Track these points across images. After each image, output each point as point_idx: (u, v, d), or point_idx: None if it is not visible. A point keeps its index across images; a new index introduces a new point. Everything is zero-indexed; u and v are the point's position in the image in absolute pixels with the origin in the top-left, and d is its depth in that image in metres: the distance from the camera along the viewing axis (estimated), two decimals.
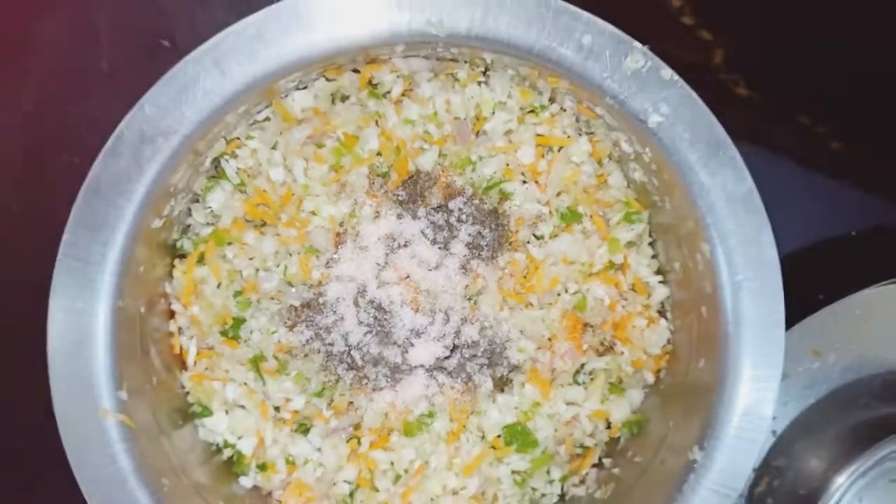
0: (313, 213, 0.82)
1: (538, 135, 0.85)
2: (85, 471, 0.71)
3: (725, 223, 0.73)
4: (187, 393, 0.85)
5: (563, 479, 0.87)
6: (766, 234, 0.73)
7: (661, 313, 0.87)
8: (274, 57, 0.69)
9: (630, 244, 0.86)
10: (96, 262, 0.70)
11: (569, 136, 0.85)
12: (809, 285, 1.02)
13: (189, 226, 0.85)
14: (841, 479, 0.97)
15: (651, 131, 0.72)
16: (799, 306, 0.92)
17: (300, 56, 0.70)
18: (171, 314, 0.85)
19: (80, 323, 0.70)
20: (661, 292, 0.86)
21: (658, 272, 0.86)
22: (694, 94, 0.71)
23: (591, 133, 0.85)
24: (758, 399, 0.74)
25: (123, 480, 0.72)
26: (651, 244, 0.87)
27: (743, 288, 0.73)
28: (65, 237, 0.68)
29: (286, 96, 0.81)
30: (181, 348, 0.85)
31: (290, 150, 0.81)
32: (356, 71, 0.82)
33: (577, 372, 0.86)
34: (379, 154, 0.82)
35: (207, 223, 0.84)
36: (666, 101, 0.71)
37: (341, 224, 0.83)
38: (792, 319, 0.94)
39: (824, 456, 1.02)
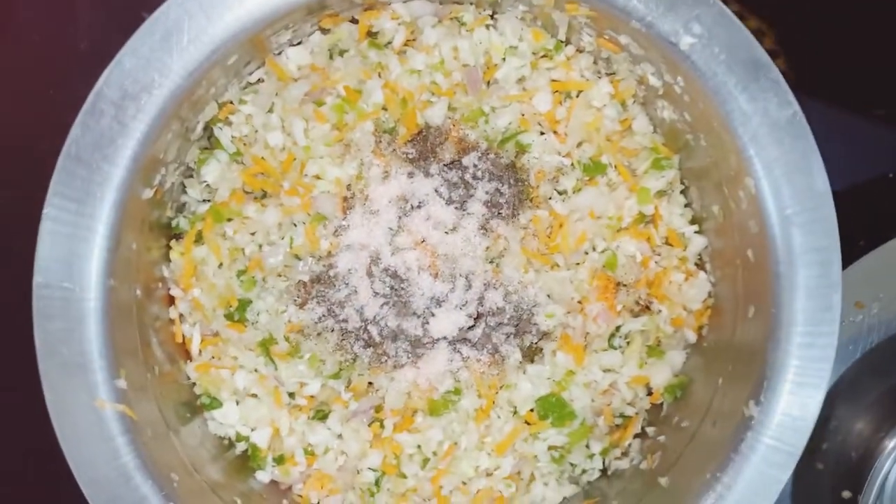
0: (317, 178, 0.76)
1: (554, 80, 0.79)
2: (85, 468, 0.64)
3: (770, 152, 0.67)
4: (194, 384, 0.79)
5: (605, 453, 0.81)
6: (815, 161, 0.67)
7: (700, 266, 0.81)
8: None
9: (661, 193, 0.80)
10: (83, 238, 0.63)
11: (587, 80, 0.79)
12: (848, 232, 0.96)
13: (185, 204, 0.79)
14: (891, 444, 0.92)
15: (683, 55, 0.66)
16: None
17: None
18: (171, 300, 0.79)
19: (70, 306, 0.64)
20: (698, 243, 0.80)
21: (693, 221, 0.81)
22: (729, 12, 0.65)
23: (611, 74, 0.79)
24: (816, 345, 0.68)
25: (128, 477, 0.65)
26: (683, 192, 0.81)
27: (793, 223, 0.67)
28: (45, 210, 0.62)
29: (280, 53, 0.76)
30: (184, 336, 0.79)
31: (287, 111, 0.75)
32: (354, 21, 0.76)
33: (612, 336, 0.80)
34: (384, 109, 0.77)
35: (204, 199, 0.79)
36: (698, 21, 0.65)
37: (348, 187, 0.77)
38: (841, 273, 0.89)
39: (871, 417, 0.97)
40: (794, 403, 0.68)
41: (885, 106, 1.00)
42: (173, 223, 0.78)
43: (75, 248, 0.63)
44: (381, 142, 0.77)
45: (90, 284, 0.64)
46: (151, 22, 0.62)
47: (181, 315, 0.79)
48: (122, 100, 0.62)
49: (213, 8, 0.62)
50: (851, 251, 0.92)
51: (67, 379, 0.64)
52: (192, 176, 0.78)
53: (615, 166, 0.80)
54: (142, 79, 0.62)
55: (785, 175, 0.67)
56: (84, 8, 0.87)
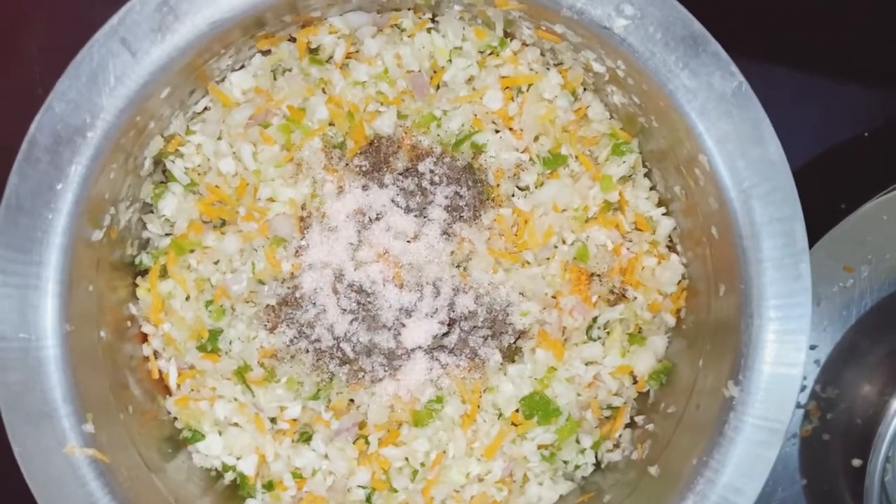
0: (271, 200, 0.76)
1: (503, 76, 0.78)
2: None
3: (719, 126, 0.65)
4: (175, 419, 0.79)
5: (596, 446, 0.80)
6: (766, 130, 0.65)
7: (671, 248, 0.80)
8: (187, 27, 0.63)
9: (624, 179, 0.79)
10: (33, 287, 0.63)
11: (536, 72, 0.77)
12: (829, 197, 0.95)
13: (148, 240, 0.79)
14: None
15: (619, 38, 0.65)
16: (821, 221, 0.85)
17: (215, 20, 0.63)
18: (144, 337, 0.79)
19: (28, 356, 0.64)
20: (666, 225, 0.79)
21: (660, 204, 0.79)
22: None
23: (559, 64, 0.78)
24: (790, 317, 0.67)
25: None
26: (647, 175, 0.80)
27: (752, 195, 0.66)
28: None
29: (222, 80, 0.75)
30: (161, 372, 0.79)
31: (234, 136, 0.74)
32: (293, 40, 0.75)
33: (590, 327, 0.79)
34: (331, 124, 0.76)
35: (165, 233, 0.78)
36: (629, 2, 0.63)
37: (303, 207, 0.76)
38: (815, 235, 0.87)
39: (875, 379, 0.95)
40: (774, 379, 0.67)
41: (855, 66, 0.98)
42: (136, 260, 0.77)
43: (27, 298, 0.63)
44: (331, 157, 0.76)
45: (46, 332, 0.64)
46: (76, 65, 0.62)
47: (155, 351, 0.79)
48: (56, 145, 0.62)
49: (136, 43, 0.62)
50: (834, 215, 0.90)
51: (34, 428, 0.64)
52: (151, 212, 0.78)
53: (575, 156, 0.79)
54: (73, 122, 0.62)
55: (737, 148, 0.65)
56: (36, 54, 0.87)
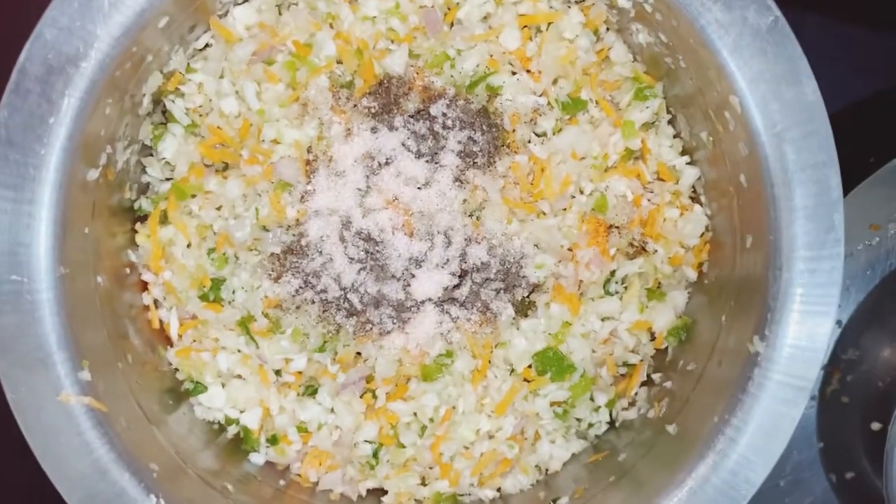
0: (276, 142, 0.72)
1: (521, 14, 0.74)
2: (57, 465, 0.62)
3: (753, 65, 0.61)
4: (176, 371, 0.76)
5: (610, 404, 0.78)
6: (803, 69, 0.61)
7: (694, 199, 0.76)
8: None
9: (647, 126, 0.75)
10: (25, 226, 0.60)
11: (556, 10, 0.73)
12: (857, 150, 0.91)
13: (148, 185, 0.75)
14: None
15: None
16: (848, 175, 0.81)
17: None
18: (144, 286, 0.76)
19: (21, 299, 0.61)
20: (690, 174, 0.75)
21: (683, 152, 0.76)
22: None
23: (580, 1, 0.73)
24: (821, 269, 0.63)
25: (104, 471, 0.63)
26: (671, 122, 0.76)
27: (785, 139, 0.62)
28: None
29: (225, 14, 0.71)
30: (161, 322, 0.76)
31: (236, 73, 0.70)
32: None
33: (608, 281, 0.76)
34: (339, 62, 0.72)
35: (166, 178, 0.75)
36: None
37: (309, 150, 0.73)
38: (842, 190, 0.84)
39: None
40: (802, 334, 0.64)
41: (889, 15, 0.93)
42: (136, 205, 0.74)
43: (19, 237, 0.60)
44: (339, 98, 0.72)
45: (39, 274, 0.61)
46: None
47: (155, 300, 0.76)
48: (48, 75, 0.58)
49: None
50: (862, 170, 0.87)
51: (28, 375, 0.61)
52: (151, 154, 0.75)
53: (596, 101, 0.75)
54: (66, 50, 0.58)
55: (771, 88, 0.61)
56: None
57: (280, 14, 0.72)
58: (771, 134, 0.62)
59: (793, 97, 0.61)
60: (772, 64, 0.61)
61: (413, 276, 0.73)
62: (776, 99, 0.61)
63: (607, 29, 0.74)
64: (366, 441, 0.76)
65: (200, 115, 0.73)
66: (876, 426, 0.90)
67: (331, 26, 0.72)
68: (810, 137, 0.62)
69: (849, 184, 0.84)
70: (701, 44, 0.62)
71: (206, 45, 0.73)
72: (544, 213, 0.75)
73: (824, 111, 0.62)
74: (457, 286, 0.75)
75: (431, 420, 0.75)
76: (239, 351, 0.75)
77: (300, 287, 0.74)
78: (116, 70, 0.61)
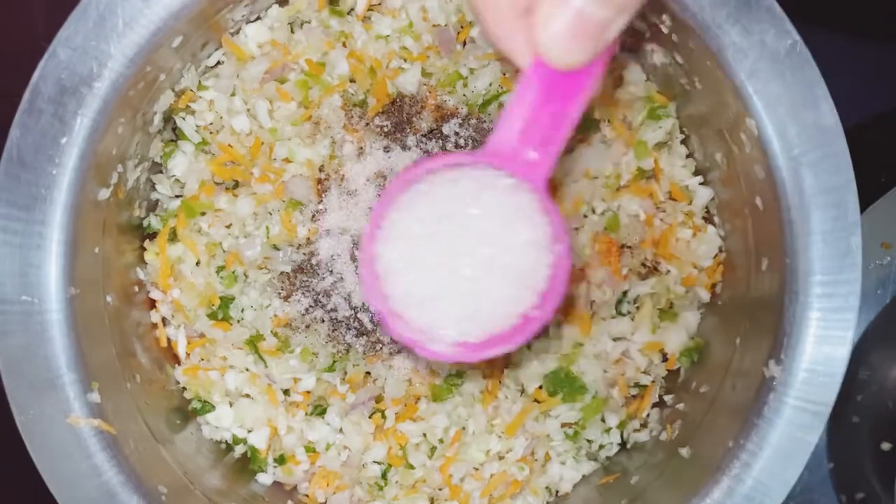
0: (287, 161, 0.72)
1: None
2: (65, 489, 0.61)
3: (771, 88, 0.61)
4: (184, 389, 0.75)
5: (622, 426, 0.77)
6: (821, 93, 0.61)
7: (708, 219, 0.75)
8: None
9: (659, 145, 0.75)
10: (36, 246, 0.59)
11: None
12: (868, 168, 0.90)
13: (157, 202, 0.75)
14: None
15: None
16: (860, 194, 0.81)
17: None
18: (152, 304, 0.75)
19: (31, 320, 0.60)
20: (703, 195, 0.74)
21: (696, 172, 0.75)
22: None
23: None
24: (838, 293, 0.63)
25: (112, 494, 0.62)
26: (684, 142, 0.75)
27: (802, 163, 0.61)
28: None
29: (237, 32, 0.71)
30: (169, 340, 0.75)
31: (248, 91, 0.70)
32: None
33: (620, 301, 0.75)
34: (352, 81, 0.71)
35: (175, 195, 0.74)
36: None
37: (321, 168, 0.72)
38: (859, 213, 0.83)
39: None
40: (818, 359, 0.63)
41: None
42: (145, 223, 0.74)
43: (29, 258, 0.59)
44: (351, 116, 0.72)
45: (50, 295, 0.60)
46: (82, 7, 0.57)
47: (164, 318, 0.75)
48: (61, 95, 0.58)
49: None
50: (873, 188, 0.86)
51: (37, 397, 0.60)
52: (160, 171, 0.74)
53: (609, 121, 0.75)
54: (79, 70, 0.58)
55: (789, 112, 0.61)
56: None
57: (292, 32, 0.72)
58: (788, 157, 0.61)
59: (811, 121, 0.61)
60: (790, 88, 0.60)
61: None
62: (794, 123, 0.61)
63: (621, 49, 0.74)
64: (374, 462, 0.75)
65: (211, 133, 0.73)
66: (886, 446, 0.90)
67: (344, 45, 0.71)
68: (828, 161, 0.61)
69: (860, 202, 0.84)
70: (718, 66, 0.61)
71: (218, 63, 0.72)
72: None
73: (842, 134, 0.61)
74: None
75: (441, 441, 0.75)
76: (247, 370, 0.75)
77: (310, 306, 0.73)
78: (130, 90, 0.60)
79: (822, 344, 0.63)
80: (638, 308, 0.76)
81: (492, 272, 0.53)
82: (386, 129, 0.72)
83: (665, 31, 0.65)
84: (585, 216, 0.75)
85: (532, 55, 0.49)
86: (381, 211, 0.53)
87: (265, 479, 0.76)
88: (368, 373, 0.75)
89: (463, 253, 0.53)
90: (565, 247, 0.54)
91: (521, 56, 0.50)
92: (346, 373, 0.74)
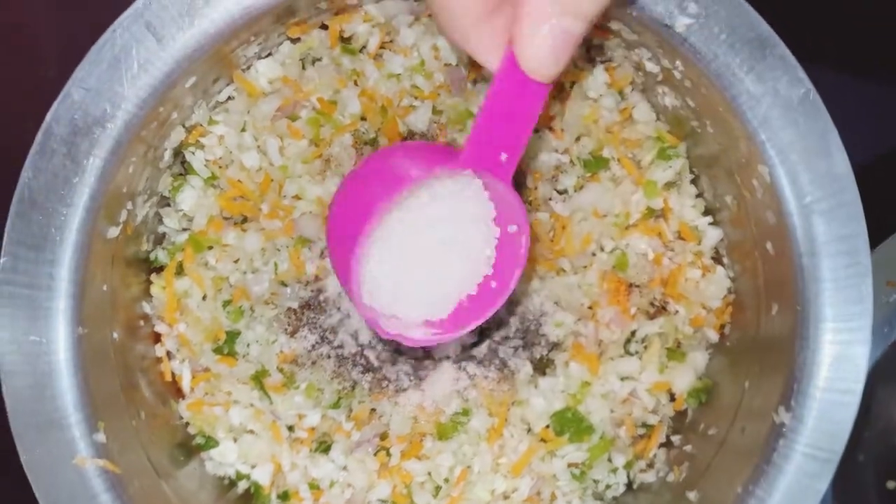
0: (297, 198, 0.71)
1: None
2: None
3: (784, 136, 0.60)
4: (187, 424, 0.75)
5: (629, 466, 0.76)
6: (833, 142, 0.61)
7: (717, 260, 0.75)
8: (218, 12, 0.58)
9: (669, 185, 0.75)
10: (45, 287, 0.59)
11: (581, 69, 0.73)
12: (877, 207, 0.90)
13: (164, 235, 0.74)
14: None
15: (680, 38, 0.60)
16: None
17: (248, 5, 0.59)
18: (157, 337, 0.75)
19: (38, 361, 0.60)
20: (713, 235, 0.74)
21: (706, 212, 0.75)
22: None
23: (606, 61, 0.73)
24: (848, 341, 0.63)
25: None
26: (693, 181, 0.75)
27: (814, 211, 0.61)
28: (1, 261, 0.57)
29: (248, 68, 0.70)
30: (174, 374, 0.75)
31: (259, 128, 0.70)
32: (324, 27, 0.71)
33: (628, 341, 0.75)
34: (363, 119, 0.71)
35: (182, 228, 0.74)
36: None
37: None
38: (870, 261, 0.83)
39: None
40: (829, 406, 0.63)
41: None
42: (152, 256, 0.73)
43: (38, 299, 0.59)
44: (362, 154, 0.72)
45: (58, 335, 0.60)
46: (97, 50, 0.57)
47: (169, 352, 0.75)
48: (74, 136, 0.57)
49: (162, 29, 0.57)
50: (882, 227, 0.86)
51: (43, 437, 0.60)
52: (169, 205, 0.74)
53: (618, 159, 0.75)
54: (93, 111, 0.57)
55: (802, 160, 0.61)
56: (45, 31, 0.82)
57: (304, 68, 0.72)
58: (800, 205, 0.61)
59: (823, 169, 0.61)
60: (803, 136, 0.60)
61: None
62: (806, 170, 0.61)
63: (632, 89, 0.74)
64: (379, 500, 0.74)
65: (220, 167, 0.73)
66: (892, 485, 0.89)
67: (356, 83, 0.71)
68: (840, 209, 0.61)
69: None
70: (731, 112, 0.61)
71: (229, 98, 0.72)
72: (564, 271, 0.74)
73: (854, 183, 0.61)
74: (475, 343, 0.74)
75: (446, 480, 0.74)
76: (252, 405, 0.74)
77: (316, 342, 0.73)
78: (142, 129, 0.60)
79: (833, 392, 0.63)
80: (646, 347, 0.75)
81: (445, 251, 0.60)
82: None
83: (678, 75, 0.65)
84: (594, 255, 0.75)
85: (499, 58, 0.52)
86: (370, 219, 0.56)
87: None
88: (374, 410, 0.74)
89: (419, 237, 0.58)
90: (522, 226, 0.60)
91: (486, 56, 0.52)
92: (351, 410, 0.74)
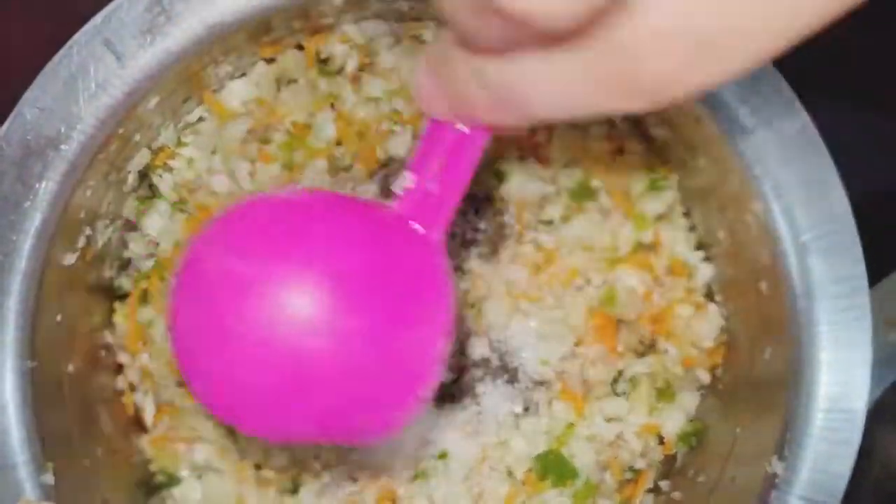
0: None
1: None
2: None
3: (779, 172, 0.58)
4: (149, 461, 0.71)
5: None
6: (831, 177, 0.58)
7: (709, 297, 0.72)
8: (181, 29, 0.55)
9: (660, 217, 0.72)
10: None
11: None
12: (876, 245, 0.88)
13: (129, 261, 0.71)
14: None
15: None
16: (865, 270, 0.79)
17: (214, 23, 0.56)
18: (120, 368, 0.71)
19: None
20: (705, 272, 0.71)
21: (699, 247, 0.72)
22: None
23: None
24: (845, 388, 0.60)
25: None
26: (686, 214, 0.72)
27: (811, 250, 0.58)
28: None
29: (220, 89, 0.67)
30: (136, 407, 0.71)
31: (229, 151, 0.67)
32: (300, 48, 0.68)
33: (615, 380, 0.72)
34: (339, 143, 0.68)
35: (149, 254, 0.70)
36: None
37: None
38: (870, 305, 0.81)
39: None
40: (824, 457, 0.60)
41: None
42: (115, 284, 0.70)
43: None
44: (337, 181, 0.68)
45: (4, 370, 0.56)
46: (52, 67, 0.54)
47: (131, 384, 0.71)
48: (25, 158, 0.54)
49: (122, 46, 0.54)
50: (883, 262, 0.83)
51: None
52: (134, 229, 0.70)
53: (607, 190, 0.71)
54: (46, 132, 0.54)
55: (798, 196, 0.58)
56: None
57: (279, 90, 0.69)
58: (796, 244, 0.58)
59: (820, 206, 0.58)
60: (799, 172, 0.58)
61: None
62: (803, 207, 0.58)
63: (622, 118, 0.71)
64: None
65: (189, 191, 0.69)
66: None
67: (332, 106, 0.68)
68: (838, 249, 0.58)
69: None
70: (724, 147, 0.59)
71: (200, 119, 0.69)
72: (549, 306, 0.71)
73: (853, 222, 0.58)
74: (454, 381, 0.71)
75: None
76: (217, 442, 0.70)
77: None
78: (100, 152, 0.57)
79: (829, 441, 0.60)
80: (634, 388, 0.72)
81: None
82: (374, 195, 0.69)
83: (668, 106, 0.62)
84: (580, 289, 0.71)
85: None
86: None
87: None
88: (345, 451, 0.71)
89: None
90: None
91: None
92: (321, 449, 0.70)
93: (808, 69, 0.85)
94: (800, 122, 0.57)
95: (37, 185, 0.54)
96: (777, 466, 0.60)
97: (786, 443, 0.60)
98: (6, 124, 0.54)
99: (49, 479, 0.58)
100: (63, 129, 0.54)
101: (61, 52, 0.54)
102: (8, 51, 0.76)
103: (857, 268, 0.59)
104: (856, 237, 0.59)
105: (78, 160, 0.55)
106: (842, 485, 0.60)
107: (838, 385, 0.59)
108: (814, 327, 0.59)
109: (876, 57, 0.90)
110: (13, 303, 0.56)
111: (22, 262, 0.55)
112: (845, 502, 0.86)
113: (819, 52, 0.86)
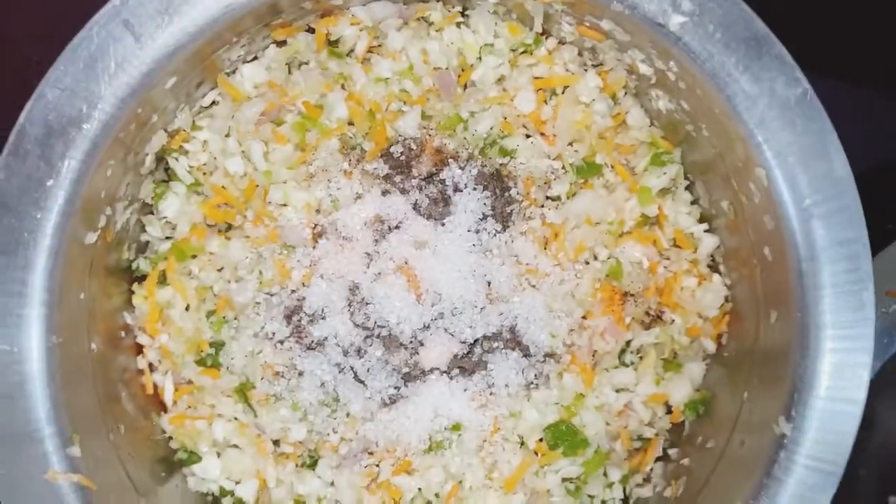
0: (283, 205, 0.70)
1: (536, 77, 0.72)
2: None
3: (781, 137, 0.59)
4: (169, 438, 0.72)
5: (625, 480, 0.74)
6: (832, 143, 0.59)
7: (713, 267, 0.73)
8: (198, 10, 0.56)
9: (664, 191, 0.73)
10: (17, 293, 0.57)
11: (572, 73, 0.71)
12: (874, 217, 0.89)
13: (147, 243, 0.72)
14: None
15: (674, 37, 0.59)
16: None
17: (229, 4, 0.57)
18: (139, 349, 0.73)
19: (8, 371, 0.57)
20: (709, 242, 0.73)
21: (702, 219, 0.73)
22: None
23: (598, 64, 0.72)
24: (850, 349, 0.61)
25: None
26: (688, 188, 0.74)
27: (813, 215, 0.60)
28: None
29: (233, 72, 0.69)
30: (155, 387, 0.72)
31: (243, 133, 0.68)
32: (311, 30, 0.69)
33: (623, 351, 0.73)
34: (350, 123, 0.70)
35: (165, 237, 0.72)
36: None
37: (317, 212, 0.70)
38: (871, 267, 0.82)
39: None
40: (831, 417, 0.61)
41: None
42: (133, 265, 0.71)
43: (9, 306, 0.57)
44: (349, 160, 0.70)
45: (31, 344, 0.58)
46: (72, 48, 0.55)
47: (151, 364, 0.73)
48: (48, 137, 0.56)
49: (141, 26, 0.56)
50: (879, 236, 0.84)
51: (14, 451, 0.58)
52: (151, 212, 0.72)
53: (611, 166, 0.73)
54: (68, 111, 0.56)
55: (800, 161, 0.59)
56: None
57: (290, 73, 0.70)
58: (799, 208, 0.60)
59: (822, 171, 0.59)
60: (800, 137, 0.59)
61: (421, 343, 0.70)
62: (805, 172, 0.59)
63: (625, 93, 0.72)
64: None
65: (204, 174, 0.71)
66: (894, 500, 0.87)
67: (342, 87, 0.70)
68: (840, 213, 0.59)
69: None
70: (726, 114, 0.60)
71: (213, 103, 0.70)
72: (557, 280, 0.72)
73: (854, 186, 0.60)
74: (466, 354, 0.72)
75: (437, 495, 0.72)
76: (236, 419, 0.72)
77: (301, 353, 0.71)
78: (121, 131, 0.58)
79: (834, 401, 0.61)
80: (641, 358, 0.73)
81: None
82: (384, 173, 0.70)
83: (672, 77, 0.63)
84: (588, 263, 0.73)
85: None
86: None
87: None
88: (361, 424, 0.72)
89: None
90: None
91: None
92: (338, 423, 0.71)
93: (804, 48, 0.87)
94: (801, 89, 0.59)
95: (59, 164, 0.56)
96: (785, 427, 0.61)
97: (793, 404, 0.61)
98: (29, 104, 0.55)
99: (75, 451, 0.59)
100: (84, 109, 0.55)
101: (82, 32, 0.55)
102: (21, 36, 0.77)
103: (859, 230, 0.60)
104: (857, 200, 0.60)
105: (99, 139, 0.57)
106: (848, 444, 0.61)
107: (843, 345, 0.60)
108: (818, 290, 0.60)
109: (874, 36, 0.92)
110: (38, 279, 0.57)
111: (46, 239, 0.57)
112: (850, 471, 0.88)
113: (815, 31, 0.88)
